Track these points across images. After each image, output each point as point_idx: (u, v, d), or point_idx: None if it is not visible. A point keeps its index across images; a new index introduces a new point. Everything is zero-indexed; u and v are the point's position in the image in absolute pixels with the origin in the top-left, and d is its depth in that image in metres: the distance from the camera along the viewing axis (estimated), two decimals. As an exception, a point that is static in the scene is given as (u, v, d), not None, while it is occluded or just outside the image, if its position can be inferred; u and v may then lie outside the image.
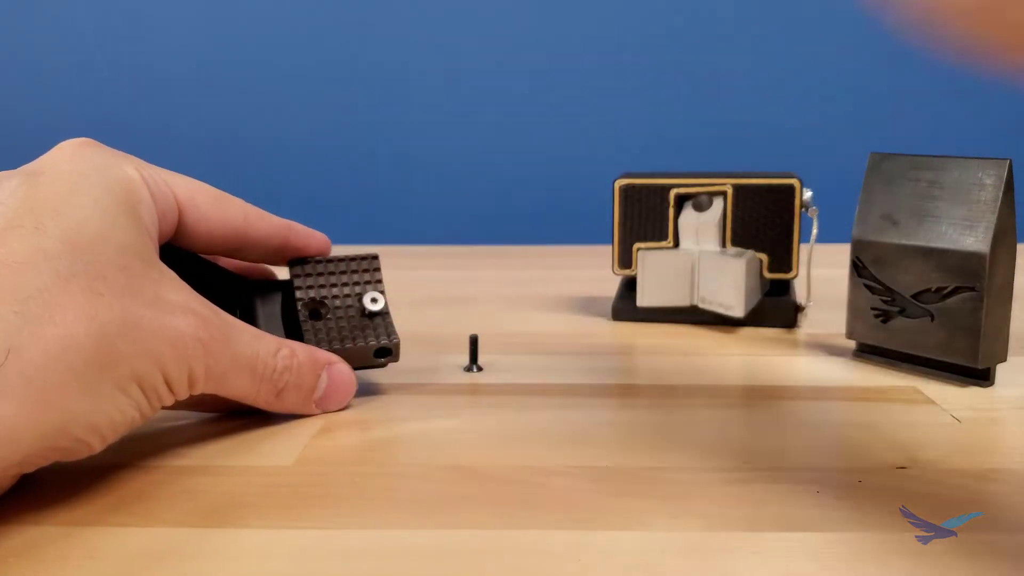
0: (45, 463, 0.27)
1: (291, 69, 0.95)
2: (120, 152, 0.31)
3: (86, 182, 0.29)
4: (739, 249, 0.49)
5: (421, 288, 0.62)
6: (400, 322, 0.40)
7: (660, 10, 0.92)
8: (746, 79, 0.92)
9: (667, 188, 0.50)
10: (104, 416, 0.27)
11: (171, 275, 0.30)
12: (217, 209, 0.33)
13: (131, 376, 0.28)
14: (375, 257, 0.39)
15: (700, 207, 0.49)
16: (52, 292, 0.26)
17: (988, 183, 0.38)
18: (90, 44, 0.94)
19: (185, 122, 0.96)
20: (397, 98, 0.95)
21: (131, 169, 0.31)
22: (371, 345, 0.37)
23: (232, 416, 0.35)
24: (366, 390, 0.39)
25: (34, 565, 0.24)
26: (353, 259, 0.38)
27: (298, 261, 0.38)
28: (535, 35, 0.93)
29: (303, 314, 0.37)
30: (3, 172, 0.30)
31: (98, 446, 0.28)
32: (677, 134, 0.93)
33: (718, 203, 0.49)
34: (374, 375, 0.40)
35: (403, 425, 0.35)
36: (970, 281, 0.38)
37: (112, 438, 0.28)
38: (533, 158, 0.96)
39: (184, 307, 0.30)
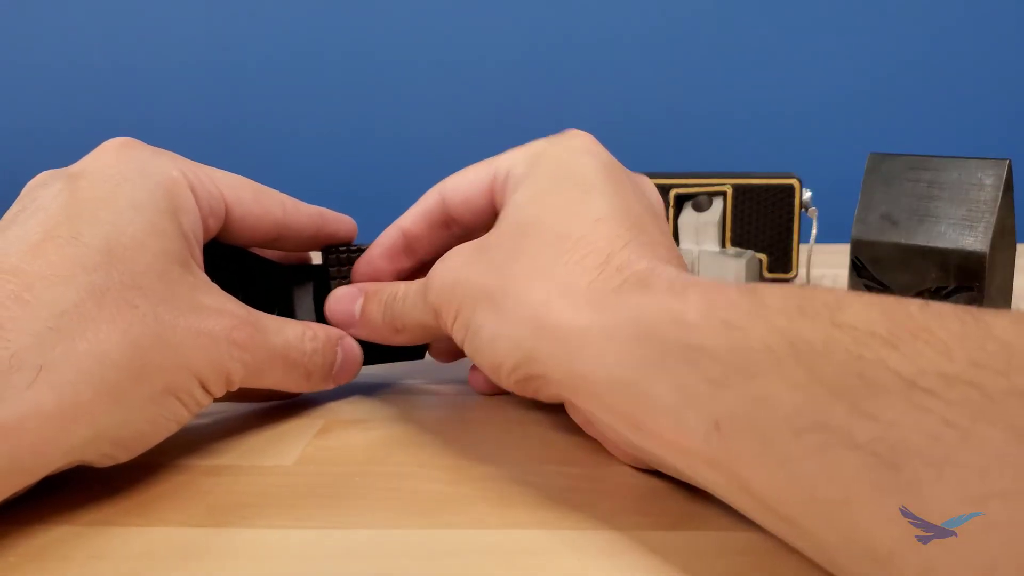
0: (66, 468, 0.27)
1: (295, 68, 0.95)
2: (164, 151, 0.31)
3: (127, 185, 0.29)
4: (739, 249, 0.49)
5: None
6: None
7: (659, 10, 0.92)
8: (746, 79, 0.92)
9: (667, 188, 0.50)
10: (133, 429, 0.27)
11: (207, 280, 0.30)
12: (259, 203, 0.34)
13: (165, 388, 0.28)
14: None
15: (700, 207, 0.50)
16: (86, 306, 0.26)
17: (987, 183, 0.38)
18: (89, 38, 0.94)
19: (184, 124, 0.96)
20: (398, 100, 0.95)
21: (174, 170, 0.30)
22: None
23: (232, 417, 0.36)
24: (367, 389, 0.39)
25: (39, 565, 0.24)
26: None
27: (332, 248, 0.38)
28: (535, 35, 0.94)
29: None
30: (51, 172, 0.30)
31: (123, 458, 0.28)
32: (677, 134, 0.93)
33: (718, 203, 0.49)
34: (375, 375, 0.40)
35: (403, 424, 0.35)
36: (969, 281, 0.38)
37: (141, 449, 0.28)
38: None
39: (218, 310, 0.30)
